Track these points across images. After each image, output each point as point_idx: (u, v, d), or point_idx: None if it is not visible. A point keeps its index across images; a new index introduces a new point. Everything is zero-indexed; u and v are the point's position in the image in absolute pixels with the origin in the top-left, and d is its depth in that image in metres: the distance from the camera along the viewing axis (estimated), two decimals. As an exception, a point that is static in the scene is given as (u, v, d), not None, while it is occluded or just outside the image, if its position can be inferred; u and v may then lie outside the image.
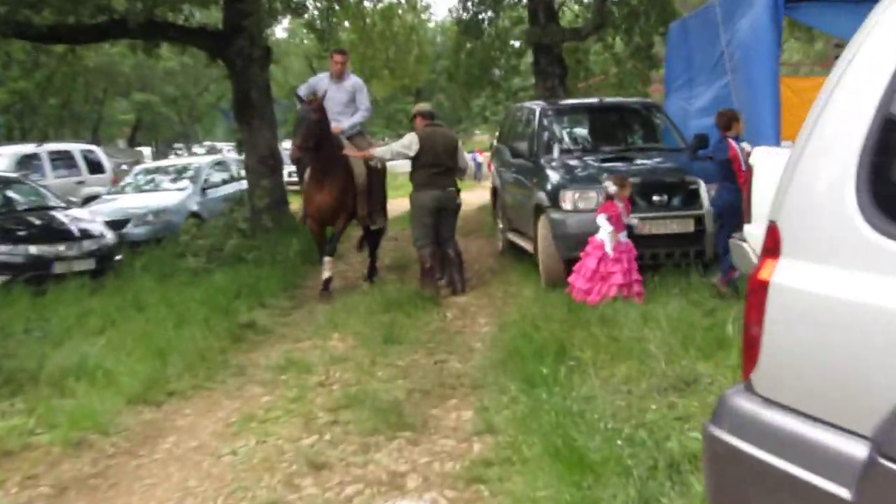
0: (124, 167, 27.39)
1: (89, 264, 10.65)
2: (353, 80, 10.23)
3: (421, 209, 9.56)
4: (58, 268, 10.33)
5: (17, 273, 10.04)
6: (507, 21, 20.01)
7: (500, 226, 12.24)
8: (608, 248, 8.07)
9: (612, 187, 8.25)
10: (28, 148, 17.54)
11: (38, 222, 11.04)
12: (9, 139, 30.79)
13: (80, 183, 17.64)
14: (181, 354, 7.09)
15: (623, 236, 8.22)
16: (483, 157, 33.03)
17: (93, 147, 19.61)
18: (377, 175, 10.12)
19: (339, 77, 10.03)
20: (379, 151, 9.87)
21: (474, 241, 14.11)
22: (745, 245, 6.61)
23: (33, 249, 10.31)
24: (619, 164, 9.41)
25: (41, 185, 15.98)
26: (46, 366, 6.75)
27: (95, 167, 18.36)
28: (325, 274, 9.64)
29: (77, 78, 16.11)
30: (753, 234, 6.49)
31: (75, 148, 18.41)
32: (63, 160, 17.71)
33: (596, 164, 9.51)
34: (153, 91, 44.73)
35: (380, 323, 8.11)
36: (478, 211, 18.53)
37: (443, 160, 9.60)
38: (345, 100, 10.03)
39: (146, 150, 51.39)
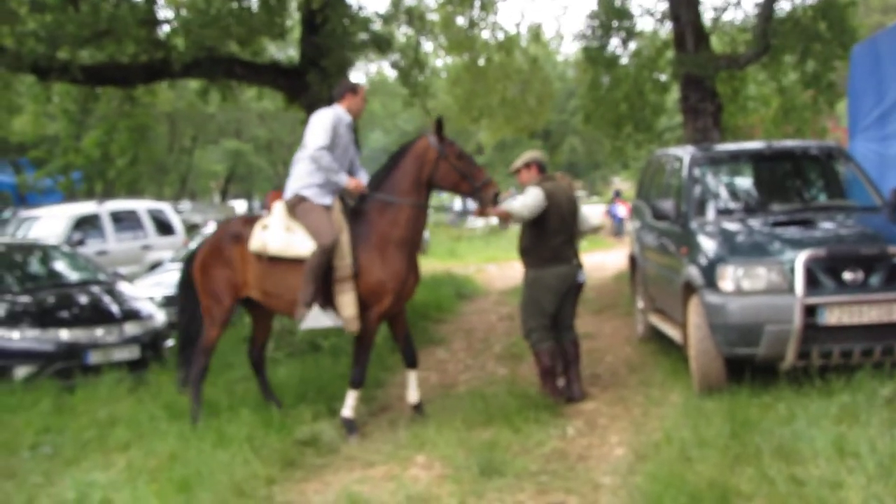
0: (213, 225, 27.26)
1: (131, 353, 9.98)
2: None
3: (545, 292, 8.38)
4: (94, 357, 9.69)
5: (46, 364, 9.45)
6: (649, 48, 18.81)
7: (640, 305, 10.99)
8: None
9: None
10: (87, 207, 17.25)
11: (73, 301, 10.41)
12: (89, 194, 31.13)
13: (146, 247, 17.21)
14: (213, 487, 6.13)
15: None
16: (626, 209, 31.63)
17: (162, 205, 19.24)
18: None
19: (355, 118, 8.21)
20: (517, 207, 8.25)
21: (608, 321, 12.87)
22: None
23: (65, 335, 9.67)
24: (795, 230, 8.11)
25: (99, 250, 15.75)
26: (37, 502, 5.91)
27: (164, 228, 17.92)
28: (414, 395, 8.12)
29: (146, 131, 15.69)
30: None
31: (141, 207, 18.04)
32: (127, 221, 17.36)
33: (765, 228, 8.23)
34: (247, 137, 45.09)
35: (479, 442, 6.99)
36: (614, 281, 17.24)
37: (569, 225, 8.50)
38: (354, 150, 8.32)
39: (240, 204, 52.02)
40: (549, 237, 8.36)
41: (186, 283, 8.36)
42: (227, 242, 8.03)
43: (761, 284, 7.46)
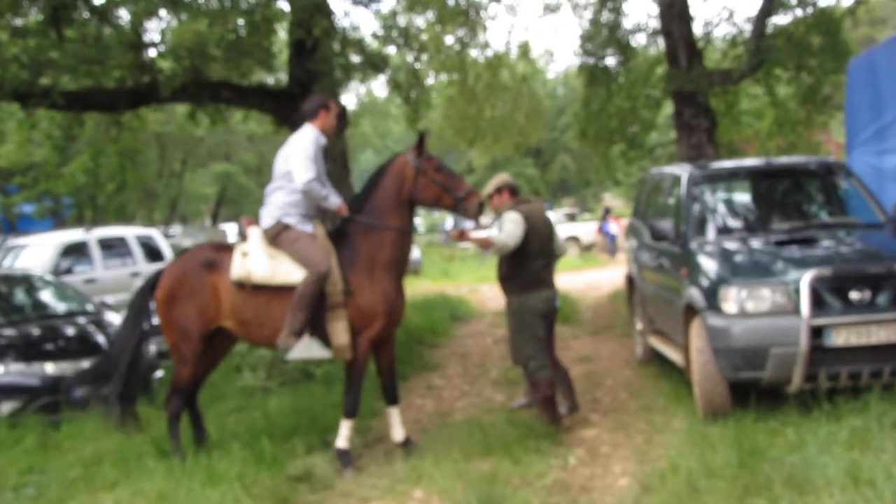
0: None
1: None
2: None
3: (533, 316, 8.14)
4: (80, 391, 9.34)
5: (30, 399, 9.14)
6: (642, 65, 18.66)
7: (639, 326, 10.75)
8: None
9: None
10: (75, 235, 16.93)
11: (59, 333, 10.16)
12: (79, 221, 30.86)
13: (135, 275, 16.91)
14: (203, 529, 5.88)
15: None
16: (619, 227, 31.30)
17: (150, 231, 18.96)
18: None
19: (328, 137, 7.87)
20: (502, 239, 8.00)
21: (605, 343, 12.64)
22: None
23: (50, 368, 9.38)
24: (798, 248, 7.89)
25: (87, 278, 15.50)
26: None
27: (154, 255, 17.64)
28: (399, 433, 7.84)
29: (135, 154, 15.52)
30: None
31: (129, 233, 17.71)
32: (115, 248, 17.03)
33: (767, 248, 8.03)
34: (236, 160, 44.84)
35: (478, 475, 6.74)
36: (610, 300, 17.00)
37: (547, 248, 8.32)
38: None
39: (230, 228, 51.65)
40: (530, 261, 8.14)
41: (136, 314, 7.99)
42: (198, 271, 7.58)
43: (766, 306, 7.27)
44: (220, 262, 7.54)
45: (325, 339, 7.34)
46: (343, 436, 7.44)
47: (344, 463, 7.34)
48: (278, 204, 7.50)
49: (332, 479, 7.11)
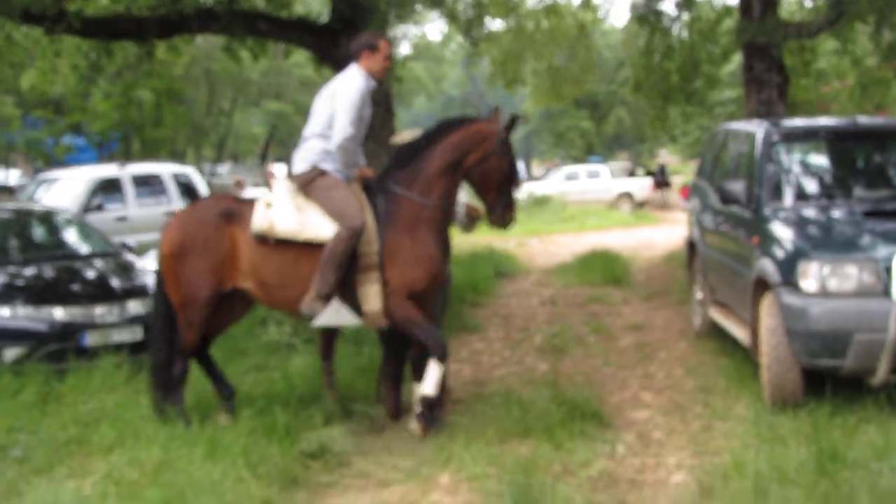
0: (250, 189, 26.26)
1: (133, 334, 8.96)
2: None
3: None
4: (90, 339, 8.70)
5: (37, 345, 8.50)
6: (708, 16, 17.58)
7: (698, 295, 9.85)
8: None
9: None
10: (108, 170, 16.28)
11: (72, 275, 9.47)
12: (126, 156, 30.40)
13: (170, 214, 16.23)
14: (197, 512, 5.16)
15: None
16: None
17: (187, 169, 18.21)
18: None
19: (378, 82, 7.08)
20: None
21: (659, 310, 11.72)
22: None
23: (59, 313, 8.71)
24: (889, 221, 6.98)
25: (119, 216, 14.90)
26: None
27: (190, 193, 16.93)
28: (430, 388, 6.67)
29: (169, 95, 14.75)
30: None
31: (165, 171, 16.97)
32: (150, 185, 16.32)
33: (853, 218, 7.13)
34: (288, 100, 44.16)
35: (514, 459, 5.96)
36: (665, 262, 16.08)
37: None
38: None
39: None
40: None
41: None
42: (215, 222, 6.75)
43: (851, 285, 6.41)
44: (242, 213, 6.73)
45: (355, 304, 6.55)
46: (432, 381, 6.57)
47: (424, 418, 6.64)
48: (315, 150, 6.70)
49: (349, 455, 6.35)
